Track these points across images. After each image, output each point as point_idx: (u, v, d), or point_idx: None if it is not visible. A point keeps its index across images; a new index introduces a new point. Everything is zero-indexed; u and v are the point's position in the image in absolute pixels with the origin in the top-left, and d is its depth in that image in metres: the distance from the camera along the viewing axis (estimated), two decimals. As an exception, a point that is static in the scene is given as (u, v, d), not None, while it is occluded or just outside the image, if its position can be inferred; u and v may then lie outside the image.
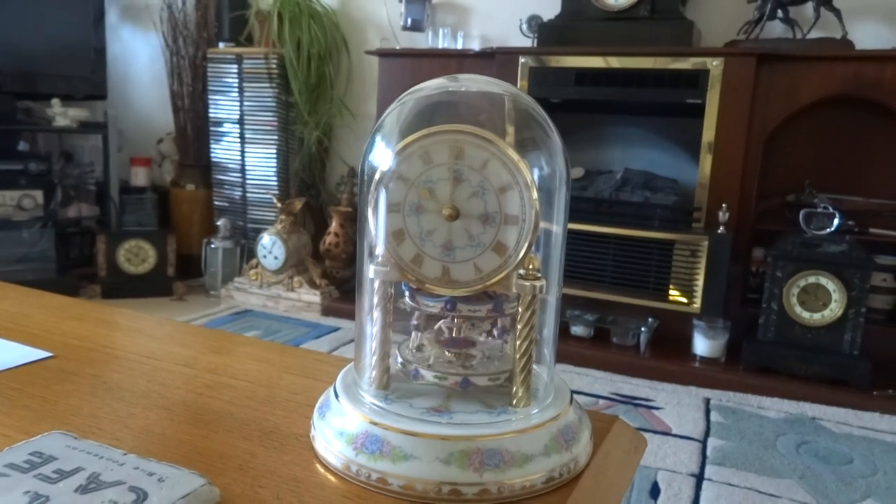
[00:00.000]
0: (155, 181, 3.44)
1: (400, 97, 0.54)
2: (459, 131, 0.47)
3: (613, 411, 2.01)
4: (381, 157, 0.50)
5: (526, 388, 0.51)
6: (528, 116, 0.52)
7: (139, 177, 3.31)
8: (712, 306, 2.31)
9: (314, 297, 2.90)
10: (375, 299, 0.52)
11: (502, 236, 0.48)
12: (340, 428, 0.50)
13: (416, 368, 0.53)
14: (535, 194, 0.47)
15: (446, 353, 0.54)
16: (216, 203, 3.31)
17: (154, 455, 0.48)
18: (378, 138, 0.53)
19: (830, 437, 1.88)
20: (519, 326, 0.50)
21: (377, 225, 0.50)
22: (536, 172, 0.50)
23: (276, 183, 3.17)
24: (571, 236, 2.46)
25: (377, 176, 0.49)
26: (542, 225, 0.51)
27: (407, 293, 0.53)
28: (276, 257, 2.91)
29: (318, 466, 0.50)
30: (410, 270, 0.50)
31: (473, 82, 0.55)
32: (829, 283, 2.15)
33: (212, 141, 3.27)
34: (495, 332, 0.55)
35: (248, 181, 3.22)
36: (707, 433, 1.88)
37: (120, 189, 3.28)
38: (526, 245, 0.48)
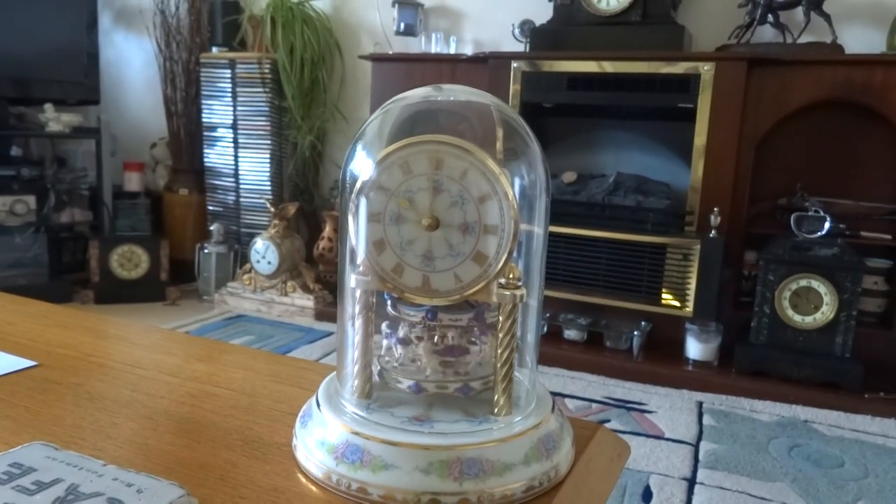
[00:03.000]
0: (148, 186, 3.44)
1: (383, 105, 0.54)
2: (438, 142, 0.47)
3: (606, 415, 2.01)
4: (362, 166, 0.50)
5: (507, 396, 0.51)
6: (508, 127, 0.52)
7: (132, 182, 3.30)
8: (705, 310, 2.32)
9: (308, 301, 2.90)
10: (357, 308, 0.52)
11: (482, 246, 0.48)
12: (322, 438, 0.50)
13: (415, 383, 0.52)
14: (514, 204, 0.47)
15: (437, 362, 0.54)
16: (209, 208, 3.31)
17: (135, 466, 0.48)
18: (359, 147, 0.53)
19: (822, 440, 1.88)
20: (500, 335, 0.50)
21: (358, 234, 0.50)
22: (517, 182, 0.51)
23: (269, 187, 3.17)
24: (564, 240, 2.47)
25: (358, 185, 0.49)
26: (524, 229, 0.52)
27: (388, 302, 0.54)
28: (269, 262, 2.90)
29: (300, 476, 0.50)
30: (391, 280, 0.50)
31: (457, 92, 0.55)
32: (821, 287, 2.15)
33: (205, 146, 3.26)
34: (474, 339, 0.55)
35: (241, 186, 3.22)
36: (699, 437, 1.88)
37: (113, 194, 3.27)
38: (506, 255, 0.48)
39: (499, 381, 0.51)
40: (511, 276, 0.49)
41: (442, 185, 0.48)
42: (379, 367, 0.55)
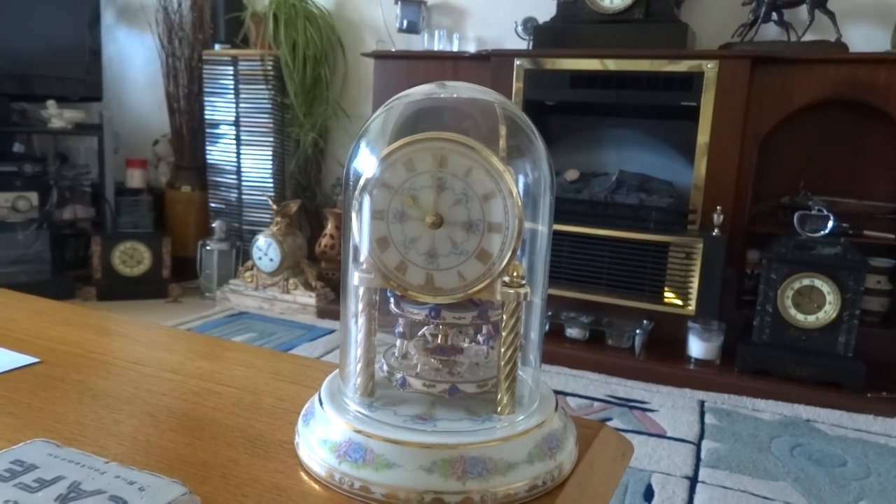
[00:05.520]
0: (150, 183, 3.44)
1: (387, 102, 0.54)
2: (443, 139, 0.47)
3: (608, 414, 2.01)
4: (366, 163, 0.50)
5: (511, 395, 0.51)
6: (512, 124, 0.52)
7: (134, 178, 3.30)
8: (707, 308, 2.31)
9: (309, 299, 2.90)
10: (360, 306, 0.52)
11: (486, 244, 0.48)
12: (324, 436, 0.50)
13: (402, 377, 0.53)
14: (518, 202, 0.47)
15: (433, 360, 0.54)
16: (212, 205, 3.31)
17: (137, 463, 0.48)
18: (363, 144, 0.53)
19: (824, 440, 1.88)
20: (503, 334, 0.50)
21: (361, 231, 0.50)
22: (521, 179, 0.51)
23: (271, 185, 3.17)
24: (567, 238, 2.46)
25: (361, 182, 0.49)
26: (528, 227, 0.51)
27: (392, 300, 0.53)
28: (271, 259, 2.90)
29: (302, 474, 0.50)
30: (394, 278, 0.50)
31: (461, 90, 0.54)
32: (824, 286, 2.15)
33: (207, 143, 3.26)
34: (480, 339, 0.55)
35: (243, 183, 3.22)
36: (701, 435, 1.88)
37: (115, 191, 3.27)
38: (510, 253, 0.48)
39: (502, 380, 0.51)
40: (515, 274, 0.49)
41: (446, 182, 0.48)
42: (386, 367, 0.54)
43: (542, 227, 0.54)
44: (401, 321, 0.54)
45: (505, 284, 0.49)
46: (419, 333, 0.54)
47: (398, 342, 0.55)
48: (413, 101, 0.53)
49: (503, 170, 0.47)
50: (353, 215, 0.50)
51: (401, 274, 0.49)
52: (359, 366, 0.52)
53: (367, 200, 0.49)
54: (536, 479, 0.48)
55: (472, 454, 0.47)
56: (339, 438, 0.49)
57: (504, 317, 0.50)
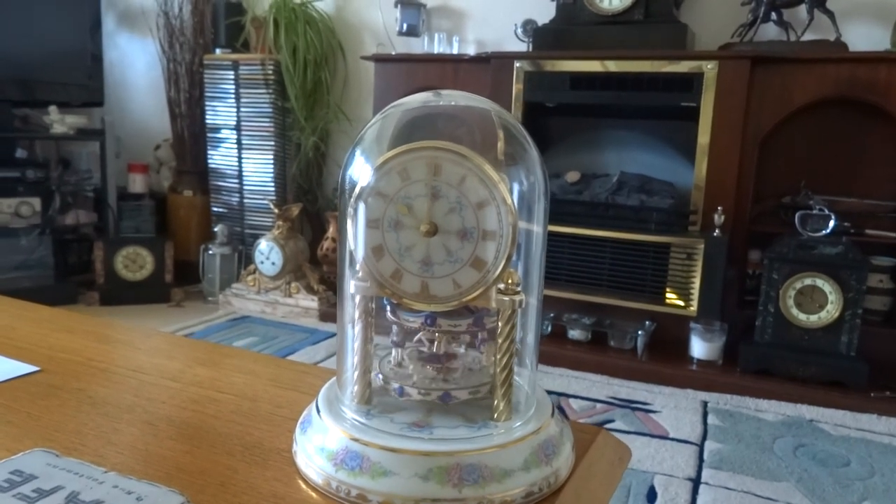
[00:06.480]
0: (152, 187, 3.45)
1: (383, 110, 0.54)
2: (437, 148, 0.47)
3: (610, 415, 2.01)
4: (360, 171, 0.50)
5: (507, 401, 0.51)
6: (506, 132, 0.52)
7: (137, 183, 3.31)
8: (709, 309, 2.31)
9: (312, 302, 2.90)
10: (356, 314, 0.52)
11: (480, 252, 0.48)
12: (321, 444, 0.50)
13: (400, 386, 0.53)
14: (512, 209, 0.47)
15: (427, 367, 0.54)
16: (214, 209, 3.32)
17: (136, 472, 0.49)
18: (358, 152, 0.53)
19: (828, 440, 1.88)
20: (499, 340, 0.50)
21: (356, 240, 0.50)
22: (515, 187, 0.51)
23: (273, 189, 3.17)
24: (568, 240, 2.47)
25: (356, 191, 0.49)
26: (523, 230, 0.52)
27: (388, 308, 0.54)
28: (273, 263, 2.91)
29: (300, 482, 0.50)
30: (390, 286, 0.50)
31: (456, 98, 0.55)
32: (826, 285, 2.14)
33: (209, 147, 3.27)
34: (477, 345, 0.55)
35: (245, 187, 3.22)
36: (704, 436, 1.87)
37: (117, 196, 3.28)
38: (504, 260, 0.48)
39: (498, 387, 0.51)
40: (510, 281, 0.49)
41: (440, 191, 0.48)
42: (381, 373, 0.55)
43: (538, 229, 0.54)
44: (394, 329, 0.54)
45: (500, 292, 0.49)
46: (414, 340, 0.54)
47: (393, 351, 0.55)
48: (409, 110, 0.54)
49: (497, 178, 0.47)
50: (349, 223, 0.50)
51: (396, 282, 0.50)
52: (356, 373, 0.52)
53: (362, 209, 0.49)
54: (533, 486, 0.48)
55: (469, 461, 0.47)
56: (336, 446, 0.49)
57: (499, 324, 0.50)
